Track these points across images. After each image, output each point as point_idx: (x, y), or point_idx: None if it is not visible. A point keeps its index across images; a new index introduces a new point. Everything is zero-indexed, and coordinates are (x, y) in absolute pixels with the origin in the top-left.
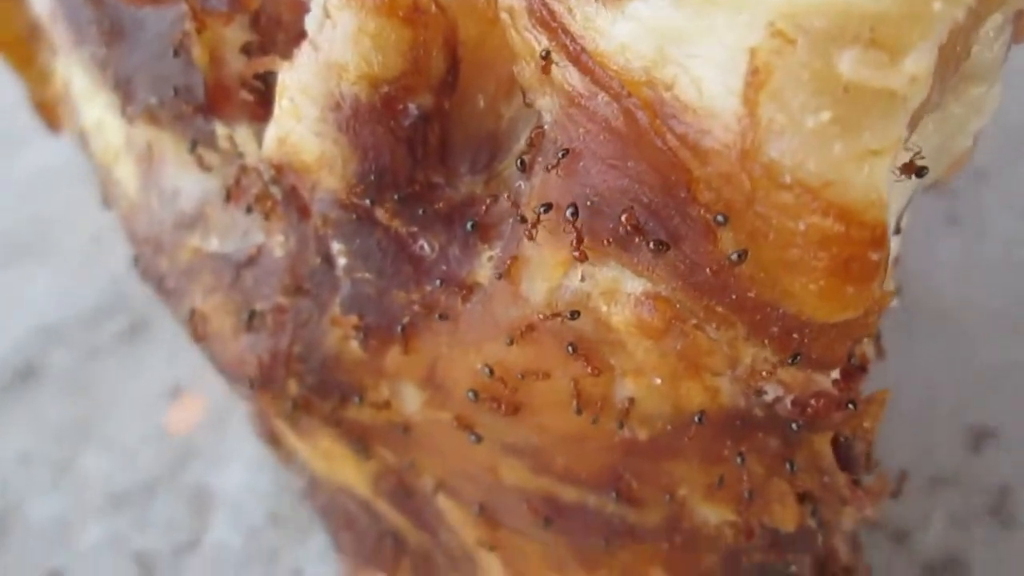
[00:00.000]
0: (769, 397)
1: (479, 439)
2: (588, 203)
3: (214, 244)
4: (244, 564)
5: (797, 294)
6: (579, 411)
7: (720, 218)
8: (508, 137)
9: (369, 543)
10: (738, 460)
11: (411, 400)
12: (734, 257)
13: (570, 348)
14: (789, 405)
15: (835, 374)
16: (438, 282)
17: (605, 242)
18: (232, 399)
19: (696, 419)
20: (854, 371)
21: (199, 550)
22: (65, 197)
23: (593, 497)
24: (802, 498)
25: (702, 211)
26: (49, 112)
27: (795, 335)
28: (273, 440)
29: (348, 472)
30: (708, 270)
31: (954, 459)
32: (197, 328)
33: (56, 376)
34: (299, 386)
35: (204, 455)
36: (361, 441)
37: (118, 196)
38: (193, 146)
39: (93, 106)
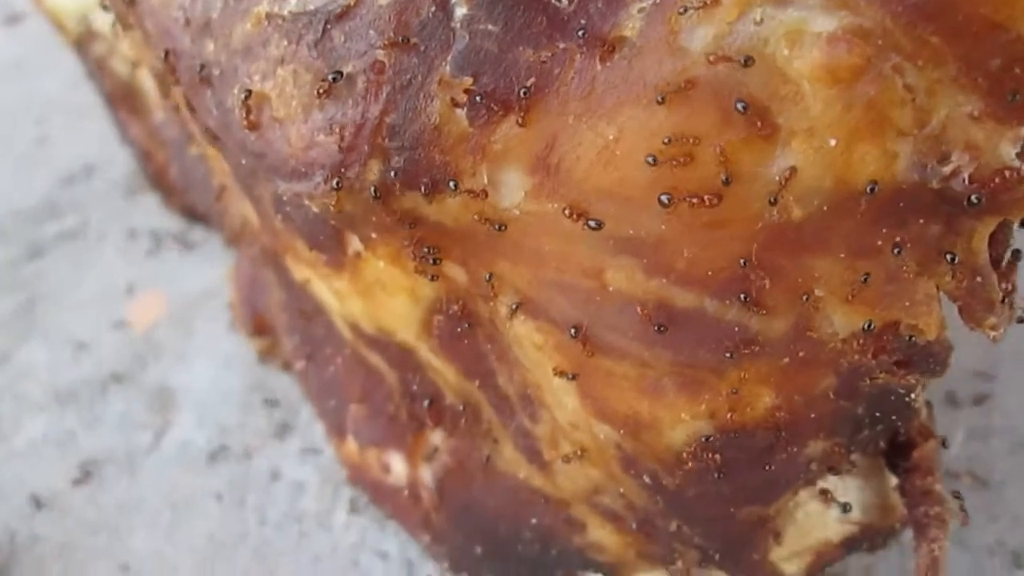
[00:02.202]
0: (950, 167)
1: (599, 224)
2: None
3: (292, 3)
4: (212, 464)
5: None
6: (727, 182)
7: None
8: None
9: (387, 414)
10: (894, 252)
11: (514, 189)
12: None
13: (739, 105)
14: (967, 180)
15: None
16: (579, 34)
17: None
18: (199, 296)
19: (869, 189)
20: None
21: (159, 449)
22: (14, 94)
23: (714, 302)
24: None
25: None
26: None
27: (1016, 69)
28: (258, 328)
29: (396, 308)
30: None
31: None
32: (250, 114)
33: None
34: (383, 169)
35: (165, 354)
36: (434, 252)
37: None
38: None
39: None
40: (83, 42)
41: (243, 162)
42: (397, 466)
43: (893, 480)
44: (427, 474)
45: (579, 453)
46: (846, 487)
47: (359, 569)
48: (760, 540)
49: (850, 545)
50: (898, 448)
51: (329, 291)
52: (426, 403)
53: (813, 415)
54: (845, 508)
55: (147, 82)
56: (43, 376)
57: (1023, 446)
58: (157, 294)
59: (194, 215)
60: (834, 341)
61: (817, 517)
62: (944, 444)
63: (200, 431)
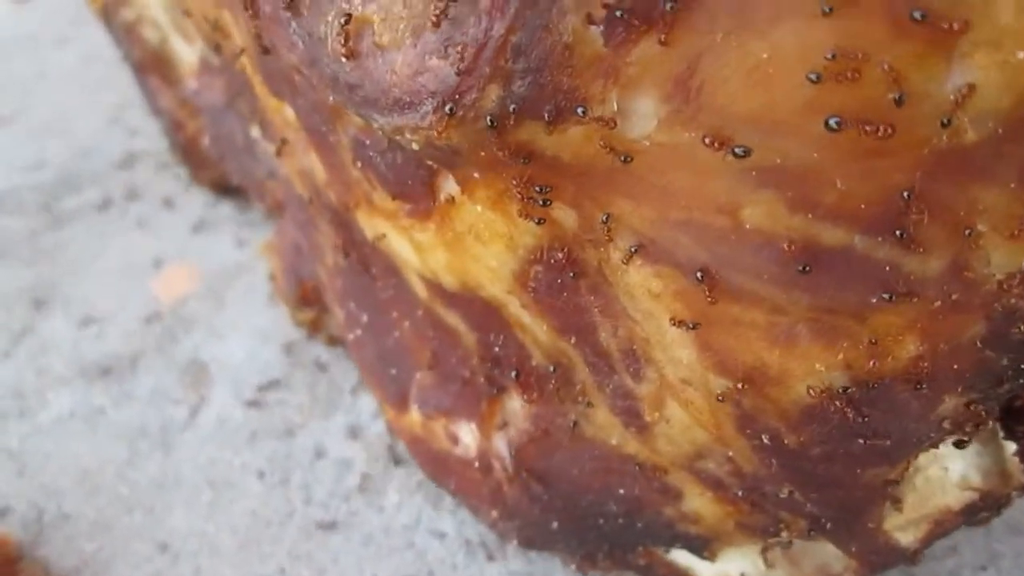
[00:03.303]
0: None
1: (746, 152)
2: None
3: None
4: (251, 441)
5: None
6: (899, 103)
7: None
8: None
9: (460, 379)
10: None
11: (646, 117)
12: None
13: (916, 14)
14: None
15: None
16: None
17: None
18: (230, 271)
19: None
20: None
21: (195, 426)
22: (27, 69)
23: (865, 239)
24: None
25: None
26: None
27: None
28: (302, 299)
29: (489, 259)
30: None
31: None
32: (349, 41)
33: (9, 244)
34: (502, 95)
35: (196, 328)
36: (545, 191)
37: None
38: None
39: None
40: (110, 9)
41: (329, 99)
42: (466, 436)
43: (1011, 447)
44: (501, 444)
45: (689, 405)
46: (963, 453)
47: (414, 550)
48: (878, 507)
49: (969, 513)
50: (1016, 413)
51: (408, 245)
52: (513, 373)
53: (956, 366)
54: (960, 444)
55: (179, 49)
56: (66, 350)
57: None
58: (187, 268)
59: (224, 189)
60: (990, 282)
61: (937, 483)
62: None
63: (237, 407)
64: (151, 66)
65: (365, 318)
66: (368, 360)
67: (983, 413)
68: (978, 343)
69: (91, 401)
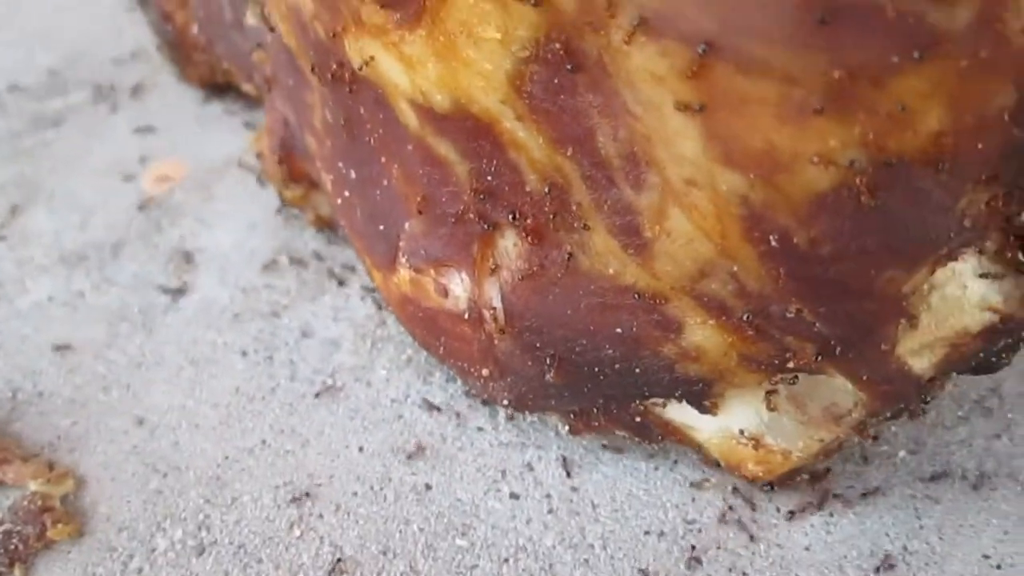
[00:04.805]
0: None
1: None
2: None
3: None
4: (236, 322)
5: None
6: None
7: None
8: None
9: (452, 218)
10: None
11: None
12: None
13: None
14: None
15: None
16: None
17: None
18: (218, 165)
19: None
20: None
21: (177, 308)
22: None
23: None
24: None
25: None
26: None
27: None
28: (291, 174)
29: (482, 62)
30: None
31: None
32: None
33: None
34: None
35: (182, 218)
36: None
37: None
38: None
39: None
40: None
41: None
42: (457, 288)
43: None
44: (493, 290)
45: (693, 210)
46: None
47: (403, 421)
48: (891, 324)
49: (989, 337)
50: None
51: (398, 64)
52: (509, 214)
53: (980, 145)
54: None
55: None
56: (48, 240)
57: None
58: (174, 162)
59: (213, 87)
60: (1021, 38)
61: (955, 302)
62: None
63: (222, 291)
64: None
65: (353, 174)
66: (357, 222)
67: (1005, 212)
68: (1005, 116)
69: (71, 287)
